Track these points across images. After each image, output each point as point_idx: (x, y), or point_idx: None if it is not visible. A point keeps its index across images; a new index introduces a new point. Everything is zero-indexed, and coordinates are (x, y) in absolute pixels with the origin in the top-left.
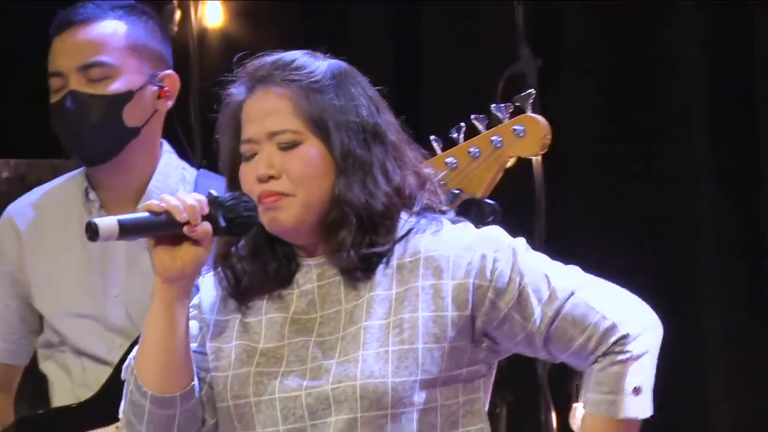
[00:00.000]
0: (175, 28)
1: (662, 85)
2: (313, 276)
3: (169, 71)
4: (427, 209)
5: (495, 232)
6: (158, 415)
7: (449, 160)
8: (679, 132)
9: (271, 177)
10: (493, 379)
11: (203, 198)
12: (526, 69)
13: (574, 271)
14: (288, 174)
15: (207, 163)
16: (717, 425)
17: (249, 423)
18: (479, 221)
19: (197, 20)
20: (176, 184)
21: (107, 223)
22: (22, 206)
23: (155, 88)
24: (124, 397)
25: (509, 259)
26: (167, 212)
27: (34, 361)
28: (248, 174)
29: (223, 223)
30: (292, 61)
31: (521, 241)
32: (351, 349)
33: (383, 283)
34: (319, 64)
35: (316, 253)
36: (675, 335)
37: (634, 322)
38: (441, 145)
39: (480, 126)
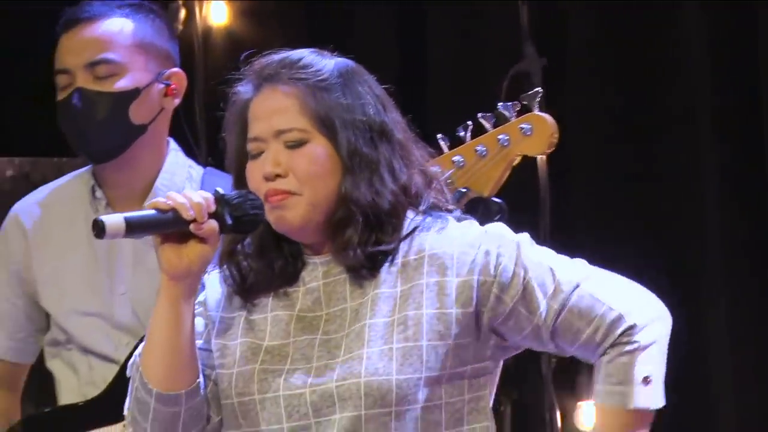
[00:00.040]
0: (180, 27)
1: (667, 84)
2: (318, 274)
3: (176, 69)
4: (434, 208)
5: (499, 229)
6: (163, 413)
7: (456, 158)
8: (684, 131)
9: (278, 175)
10: (498, 376)
11: (210, 196)
12: (530, 68)
13: (580, 263)
14: (295, 173)
15: (212, 161)
16: (724, 424)
17: (253, 420)
18: (486, 220)
19: (202, 19)
20: (183, 182)
21: (114, 220)
22: (28, 205)
23: (162, 85)
24: (129, 394)
25: (512, 254)
26: (174, 210)
27: (40, 359)
28: (255, 172)
29: (229, 221)
30: (299, 60)
31: (525, 236)
32: (355, 346)
33: (388, 280)
34: (326, 63)
35: (323, 251)
36: (680, 335)
37: (641, 312)
38: (448, 144)
39: (487, 124)
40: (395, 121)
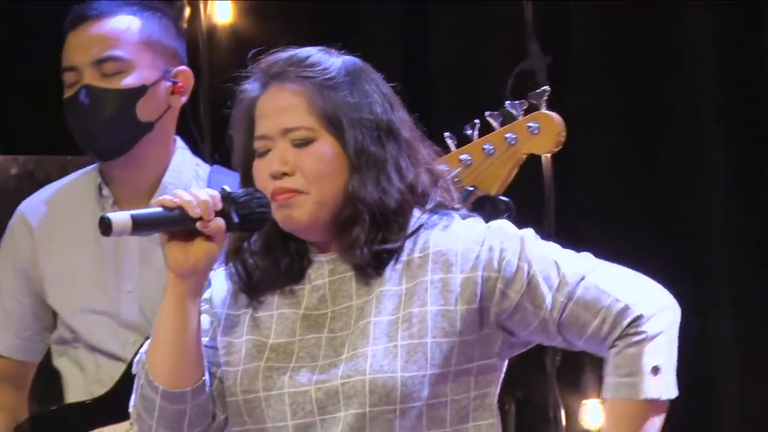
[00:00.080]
0: (185, 25)
1: (671, 83)
2: (324, 272)
3: (183, 67)
4: (440, 206)
5: (502, 224)
6: (169, 410)
7: (463, 156)
8: (689, 130)
9: (285, 174)
10: (503, 373)
11: (216, 194)
12: (535, 66)
13: (586, 257)
14: (302, 171)
15: (218, 159)
16: (728, 424)
17: (259, 418)
18: (493, 218)
19: (206, 17)
20: (189, 180)
21: (120, 218)
22: (34, 203)
23: (169, 83)
24: (134, 391)
25: (516, 249)
26: (180, 207)
27: (47, 357)
28: (262, 170)
29: (236, 219)
30: (307, 58)
31: (529, 231)
32: (360, 344)
33: (393, 278)
34: (333, 61)
35: (329, 250)
36: (685, 333)
37: (647, 302)
38: (455, 142)
39: (494, 123)
40: (402, 119)
